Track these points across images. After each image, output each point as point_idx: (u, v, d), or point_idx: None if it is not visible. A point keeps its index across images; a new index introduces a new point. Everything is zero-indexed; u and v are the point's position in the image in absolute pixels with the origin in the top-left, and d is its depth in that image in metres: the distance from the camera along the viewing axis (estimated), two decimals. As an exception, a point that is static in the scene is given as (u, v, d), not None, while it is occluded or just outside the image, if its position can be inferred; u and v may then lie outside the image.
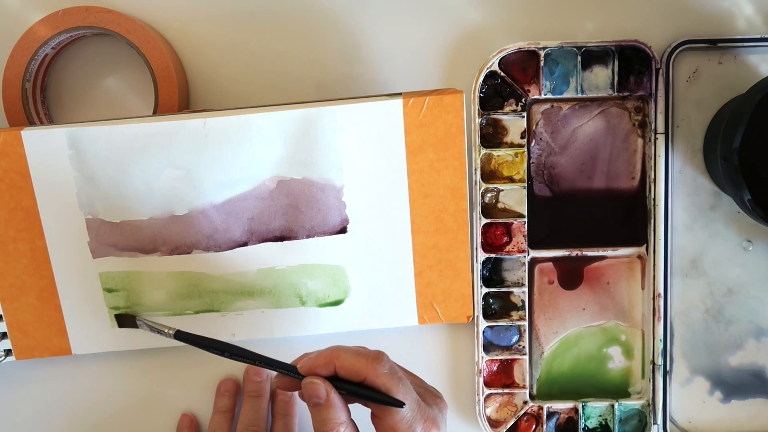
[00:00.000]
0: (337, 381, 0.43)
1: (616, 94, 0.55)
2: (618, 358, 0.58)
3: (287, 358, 0.58)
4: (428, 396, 0.45)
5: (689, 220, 0.57)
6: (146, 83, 0.55)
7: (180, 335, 0.49)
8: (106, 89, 0.56)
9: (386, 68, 0.56)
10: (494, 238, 0.56)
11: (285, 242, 0.53)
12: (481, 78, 0.55)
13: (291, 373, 0.44)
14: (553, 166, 0.57)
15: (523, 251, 0.57)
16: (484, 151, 0.55)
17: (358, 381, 0.43)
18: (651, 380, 0.57)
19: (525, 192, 0.56)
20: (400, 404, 0.42)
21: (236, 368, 0.58)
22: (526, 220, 0.56)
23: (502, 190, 0.56)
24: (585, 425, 0.58)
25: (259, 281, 0.54)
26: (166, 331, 0.49)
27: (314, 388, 0.43)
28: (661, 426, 0.57)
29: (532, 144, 0.56)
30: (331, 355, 0.43)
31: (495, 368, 0.58)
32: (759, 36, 0.55)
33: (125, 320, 0.54)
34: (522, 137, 0.56)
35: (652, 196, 0.56)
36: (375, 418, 0.43)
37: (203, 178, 0.51)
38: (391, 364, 0.43)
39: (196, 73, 0.56)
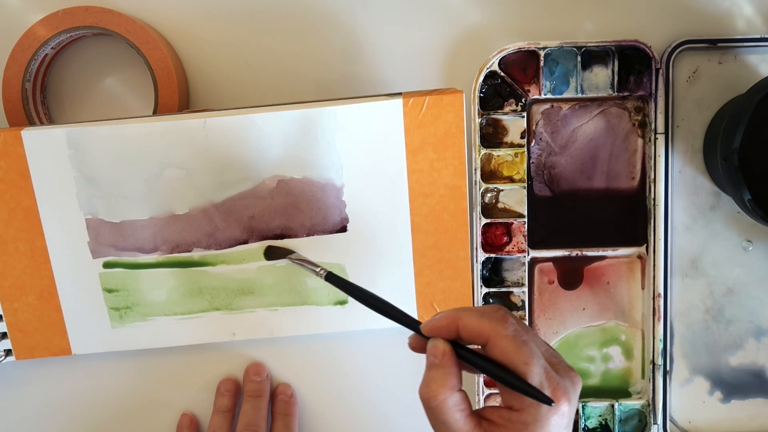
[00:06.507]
0: (465, 350, 0.41)
1: (616, 94, 0.55)
2: (618, 358, 0.58)
3: (286, 359, 0.58)
4: (561, 367, 0.41)
5: (689, 220, 0.57)
6: (146, 83, 0.55)
7: (330, 277, 0.48)
8: (106, 89, 0.56)
9: (386, 68, 0.56)
10: (494, 238, 0.56)
11: (285, 240, 0.53)
12: (481, 78, 0.55)
13: (414, 330, 0.43)
14: (553, 166, 0.57)
15: (523, 251, 0.57)
16: (484, 151, 0.55)
17: (481, 343, 0.40)
18: (651, 380, 0.57)
19: (525, 192, 0.56)
20: (520, 385, 0.38)
21: (236, 368, 0.58)
22: (526, 220, 0.56)
23: (502, 190, 0.56)
24: (585, 425, 0.58)
25: (259, 279, 0.54)
26: (318, 270, 0.49)
27: (432, 347, 0.41)
28: (661, 426, 0.57)
29: (532, 144, 0.56)
30: (454, 316, 0.40)
31: (495, 368, 0.58)
32: (759, 36, 0.55)
33: (274, 252, 0.53)
34: (522, 137, 0.56)
35: (652, 196, 0.56)
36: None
37: (203, 177, 0.51)
38: (516, 327, 0.40)
39: (196, 73, 0.56)
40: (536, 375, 0.38)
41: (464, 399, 0.40)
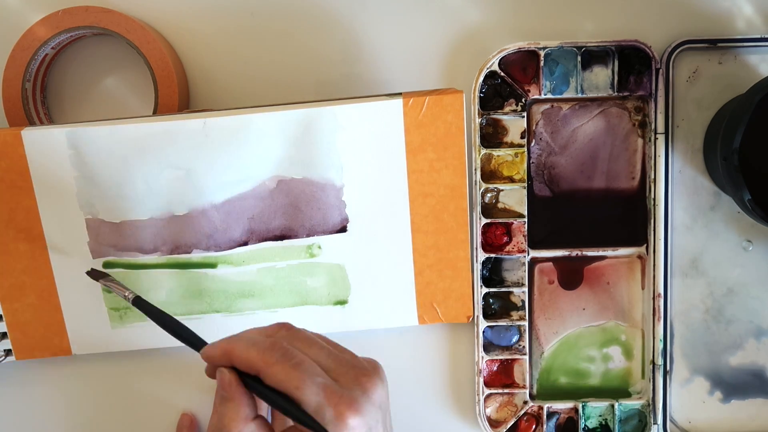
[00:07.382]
0: (249, 378, 0.39)
1: (616, 94, 0.55)
2: (618, 358, 0.58)
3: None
4: (350, 374, 0.39)
5: (689, 220, 0.57)
6: (146, 83, 0.55)
7: (137, 302, 0.47)
8: (106, 89, 0.56)
9: (386, 68, 0.56)
10: (494, 238, 0.56)
11: (285, 241, 0.53)
12: (481, 78, 0.55)
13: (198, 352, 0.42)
14: (553, 166, 0.57)
15: (523, 251, 0.57)
16: (484, 151, 0.55)
17: (255, 374, 0.39)
18: (651, 380, 0.57)
19: (525, 192, 0.56)
20: (295, 414, 0.37)
21: (236, 368, 0.58)
22: (526, 220, 0.56)
23: (502, 190, 0.56)
24: (585, 425, 0.58)
25: (259, 281, 0.54)
26: (126, 294, 0.48)
27: (220, 378, 0.39)
28: (661, 426, 0.57)
29: (532, 144, 0.56)
30: (227, 348, 0.39)
31: (495, 368, 0.58)
32: (759, 36, 0.55)
33: (95, 274, 0.52)
34: (522, 137, 0.56)
35: (652, 196, 0.56)
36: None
37: (203, 178, 0.51)
38: (285, 350, 0.38)
39: (196, 73, 0.56)
40: (311, 397, 0.37)
41: (261, 426, 0.39)
